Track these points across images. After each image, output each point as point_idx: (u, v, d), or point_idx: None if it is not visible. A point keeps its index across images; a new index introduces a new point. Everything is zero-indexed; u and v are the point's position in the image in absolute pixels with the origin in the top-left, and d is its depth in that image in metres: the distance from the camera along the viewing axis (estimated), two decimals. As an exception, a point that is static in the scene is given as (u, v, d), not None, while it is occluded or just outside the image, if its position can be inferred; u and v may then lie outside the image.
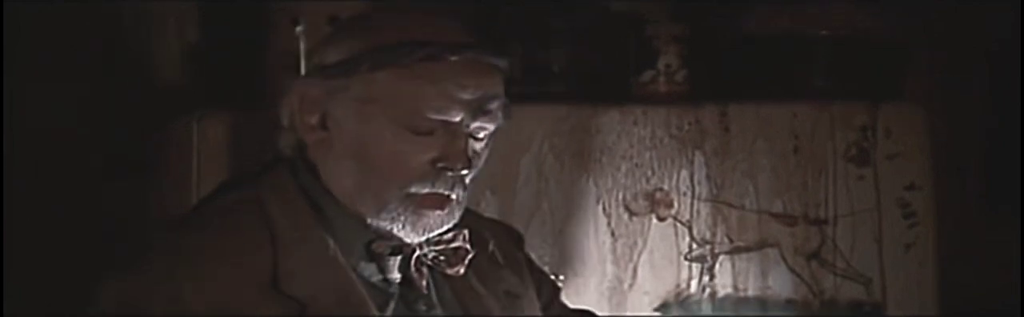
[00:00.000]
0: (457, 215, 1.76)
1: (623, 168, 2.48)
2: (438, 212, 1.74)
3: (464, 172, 1.72)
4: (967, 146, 2.87)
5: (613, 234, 2.47)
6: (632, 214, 2.48)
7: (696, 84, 2.59)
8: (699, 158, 2.51)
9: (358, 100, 1.72)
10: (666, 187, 2.50)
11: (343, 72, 1.73)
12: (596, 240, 2.47)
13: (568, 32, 2.58)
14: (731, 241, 2.52)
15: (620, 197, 2.48)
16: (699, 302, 2.51)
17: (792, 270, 2.54)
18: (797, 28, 2.62)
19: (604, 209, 2.47)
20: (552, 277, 2.09)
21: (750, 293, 2.52)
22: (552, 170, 2.45)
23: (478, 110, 1.73)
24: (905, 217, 2.58)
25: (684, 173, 2.50)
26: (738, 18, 2.65)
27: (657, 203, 2.49)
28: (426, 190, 1.72)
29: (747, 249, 2.53)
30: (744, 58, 2.64)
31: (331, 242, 1.73)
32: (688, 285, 2.51)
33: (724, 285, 2.52)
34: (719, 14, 2.67)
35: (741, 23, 2.65)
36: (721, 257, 2.52)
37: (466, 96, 1.71)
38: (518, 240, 2.01)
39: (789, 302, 2.53)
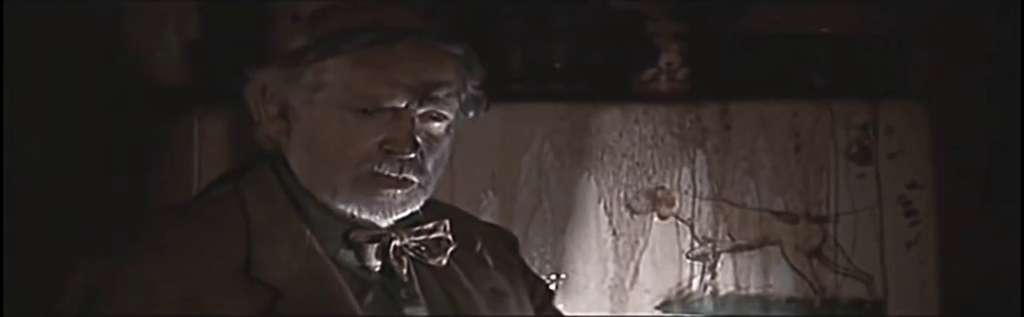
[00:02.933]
0: (421, 198, 1.78)
1: (624, 166, 2.48)
2: (392, 191, 1.74)
3: (411, 155, 1.73)
4: (968, 144, 2.87)
5: (615, 233, 2.47)
6: (633, 212, 2.48)
7: (697, 82, 2.59)
8: (700, 156, 2.51)
9: (309, 88, 1.75)
10: (667, 185, 2.50)
11: (296, 61, 1.76)
12: (598, 238, 2.47)
13: (569, 30, 2.57)
14: (732, 239, 2.52)
15: (621, 195, 2.48)
16: (701, 300, 2.50)
17: (793, 268, 2.53)
18: (798, 26, 2.62)
19: (605, 208, 2.47)
20: (546, 283, 2.09)
21: (751, 291, 2.52)
22: (553, 168, 2.45)
23: (424, 96, 1.74)
24: (906, 215, 2.57)
25: (685, 171, 2.50)
26: (739, 16, 2.65)
27: (658, 201, 2.49)
28: (374, 170, 1.73)
29: (748, 247, 2.52)
30: (745, 56, 2.64)
31: (308, 232, 1.75)
32: (690, 283, 2.50)
33: (726, 283, 2.51)
34: (720, 12, 2.66)
35: (742, 21, 2.64)
36: (722, 255, 2.51)
37: (409, 81, 1.73)
38: (512, 244, 2.02)
39: (790, 300, 2.53)
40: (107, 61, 2.43)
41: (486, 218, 2.38)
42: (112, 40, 2.45)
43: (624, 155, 2.48)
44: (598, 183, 2.47)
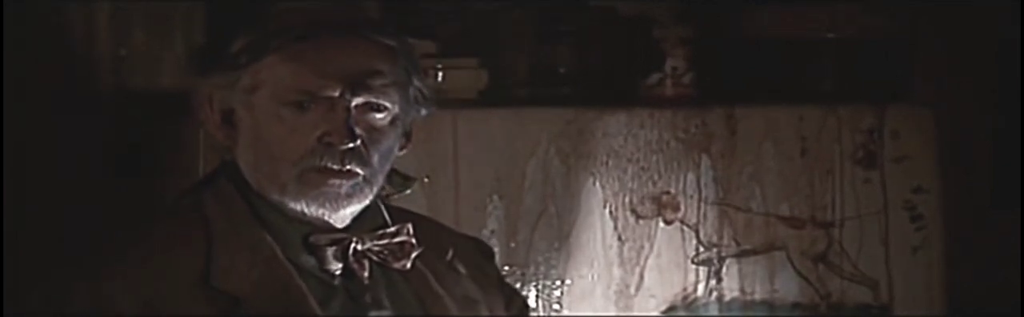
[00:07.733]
0: (367, 192, 1.77)
1: (630, 171, 2.48)
2: (337, 181, 1.74)
3: (350, 146, 1.73)
4: (974, 149, 2.87)
5: (620, 238, 2.47)
6: (639, 217, 2.48)
7: (703, 87, 2.59)
8: (706, 161, 2.51)
9: (247, 90, 1.76)
10: (673, 190, 2.49)
11: (234, 66, 1.77)
12: (603, 243, 2.46)
13: (575, 35, 2.57)
14: (738, 244, 2.52)
15: (627, 200, 2.47)
16: (706, 306, 2.50)
17: (799, 273, 2.53)
18: (804, 31, 2.62)
19: (611, 212, 2.47)
20: (524, 297, 2.10)
21: (757, 296, 2.52)
22: (558, 173, 2.45)
23: (357, 85, 1.74)
24: (912, 220, 2.58)
25: (691, 176, 2.50)
26: (745, 21, 2.65)
27: (664, 206, 2.49)
28: (317, 164, 1.73)
29: (754, 252, 2.52)
30: (751, 61, 2.64)
31: (269, 238, 1.76)
32: (695, 289, 2.50)
33: (731, 288, 2.51)
34: (726, 17, 2.66)
35: (748, 26, 2.64)
36: (728, 260, 2.51)
37: (339, 71, 1.73)
38: (488, 255, 2.01)
39: (796, 305, 2.53)
40: (112, 64, 2.42)
41: (491, 223, 2.39)
42: (119, 42, 2.44)
43: (629, 160, 2.48)
44: (603, 188, 2.46)
